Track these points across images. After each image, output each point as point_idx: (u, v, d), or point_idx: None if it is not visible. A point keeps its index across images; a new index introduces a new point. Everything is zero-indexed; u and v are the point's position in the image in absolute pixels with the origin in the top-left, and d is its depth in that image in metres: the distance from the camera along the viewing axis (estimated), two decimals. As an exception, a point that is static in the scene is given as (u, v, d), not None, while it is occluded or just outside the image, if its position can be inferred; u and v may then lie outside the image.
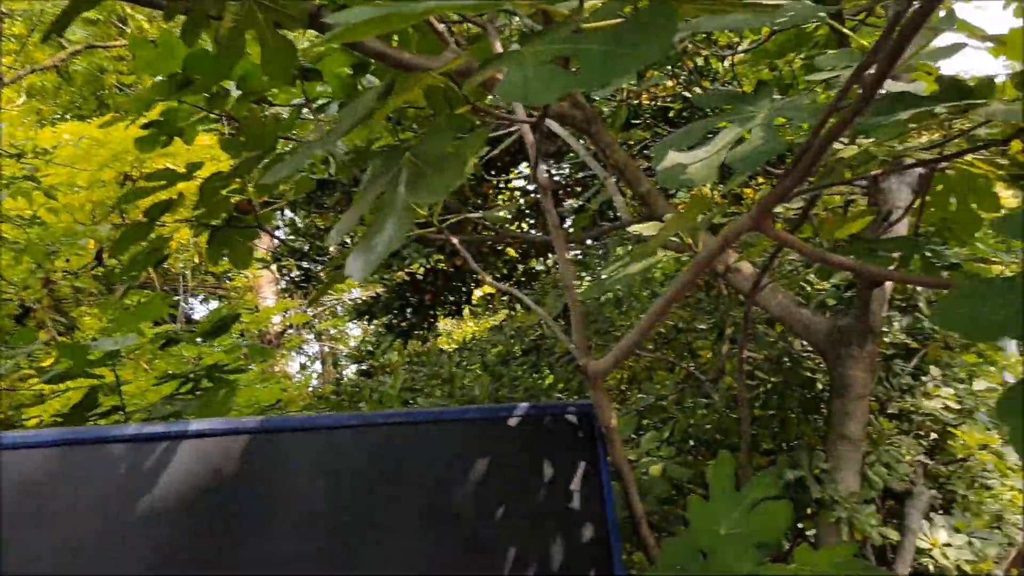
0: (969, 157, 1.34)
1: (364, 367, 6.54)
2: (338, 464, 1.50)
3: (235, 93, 2.46)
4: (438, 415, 1.70)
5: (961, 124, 1.25)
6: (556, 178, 5.97)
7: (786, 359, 2.49)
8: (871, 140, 1.35)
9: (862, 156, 1.28)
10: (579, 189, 5.83)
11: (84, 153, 4.37)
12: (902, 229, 2.27)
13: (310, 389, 7.61)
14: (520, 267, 6.63)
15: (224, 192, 2.39)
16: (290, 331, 11.21)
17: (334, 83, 2.59)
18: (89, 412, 3.22)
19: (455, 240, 2.24)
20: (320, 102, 2.75)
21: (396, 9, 0.75)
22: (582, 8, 0.89)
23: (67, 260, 4.55)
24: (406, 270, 6.02)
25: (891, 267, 1.68)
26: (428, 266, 5.99)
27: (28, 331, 3.38)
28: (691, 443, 2.64)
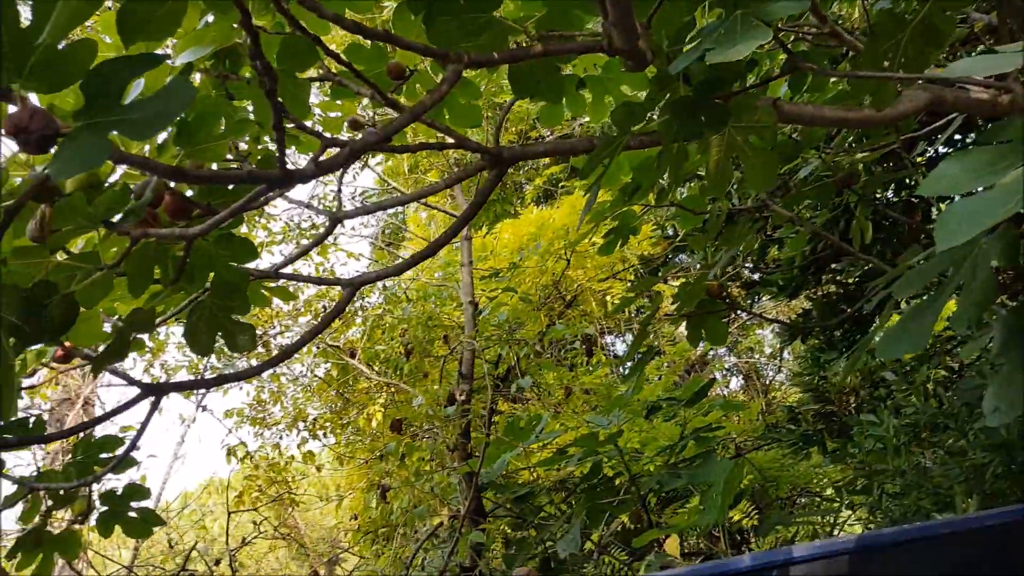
0: None
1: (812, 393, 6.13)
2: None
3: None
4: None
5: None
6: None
7: None
8: None
9: None
10: None
11: (534, 237, 5.12)
12: None
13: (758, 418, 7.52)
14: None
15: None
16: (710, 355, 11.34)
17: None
18: (596, 480, 3.71)
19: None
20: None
21: None
22: None
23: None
24: (839, 280, 5.57)
25: None
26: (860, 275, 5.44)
27: (536, 415, 4.02)
28: None
